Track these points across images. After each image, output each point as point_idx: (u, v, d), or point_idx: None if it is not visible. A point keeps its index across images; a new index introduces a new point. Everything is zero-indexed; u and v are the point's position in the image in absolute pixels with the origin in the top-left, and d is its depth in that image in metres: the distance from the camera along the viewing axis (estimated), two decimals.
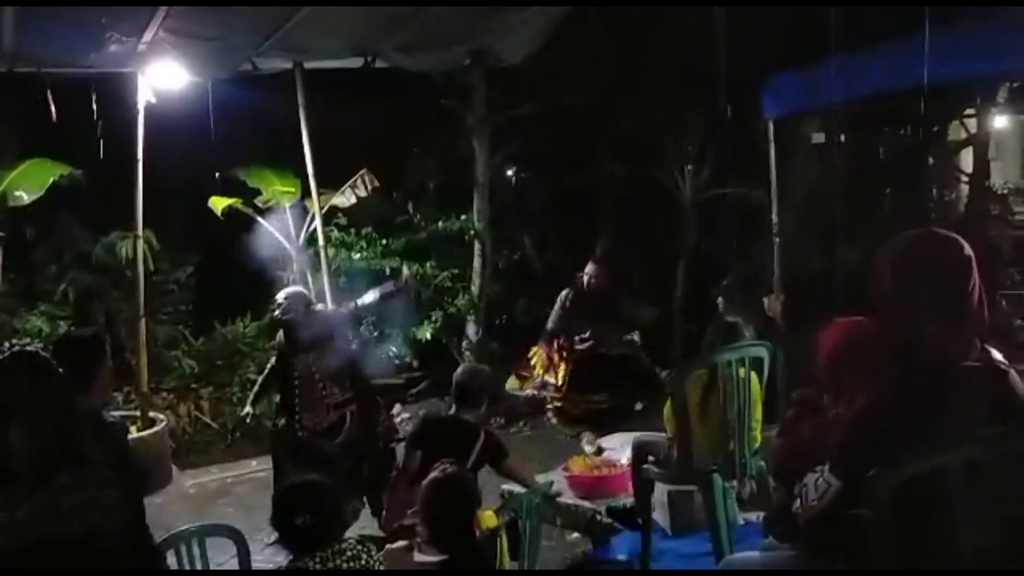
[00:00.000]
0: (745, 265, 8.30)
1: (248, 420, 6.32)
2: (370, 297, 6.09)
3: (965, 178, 12.04)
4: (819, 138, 11.11)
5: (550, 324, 8.30)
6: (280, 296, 6.07)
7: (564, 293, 8.30)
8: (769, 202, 7.21)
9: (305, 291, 6.42)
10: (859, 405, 2.60)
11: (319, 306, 6.28)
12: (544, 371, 8.12)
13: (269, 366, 6.27)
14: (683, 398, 4.81)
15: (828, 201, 9.23)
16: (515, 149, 10.75)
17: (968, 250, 2.56)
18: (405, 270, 6.80)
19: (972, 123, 11.71)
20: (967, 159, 12.04)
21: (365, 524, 5.70)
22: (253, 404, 6.30)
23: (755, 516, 4.92)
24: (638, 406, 8.78)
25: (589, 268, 8.18)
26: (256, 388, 6.37)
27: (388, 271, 8.61)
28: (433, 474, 3.84)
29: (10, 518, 2.52)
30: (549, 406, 8.10)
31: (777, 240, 7.02)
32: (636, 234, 11.04)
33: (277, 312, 5.95)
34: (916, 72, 5.72)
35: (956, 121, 11.91)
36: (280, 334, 6.07)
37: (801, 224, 8.25)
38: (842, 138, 10.40)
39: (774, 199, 7.10)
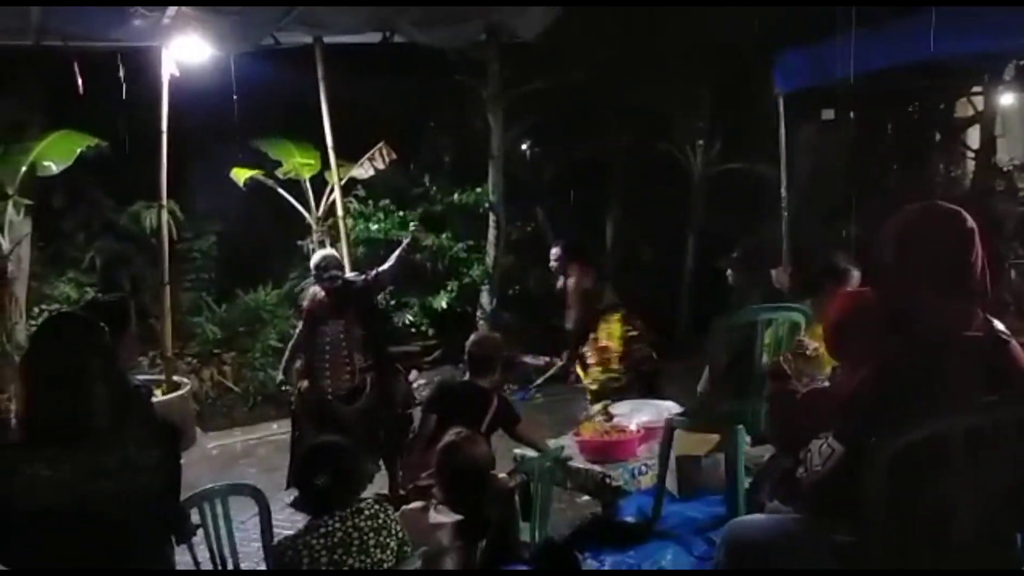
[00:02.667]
0: (753, 238, 8.29)
1: (283, 388, 6.26)
2: (389, 263, 6.09)
3: (971, 154, 11.95)
4: (828, 114, 11.05)
5: None
6: (323, 259, 5.96)
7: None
8: (778, 176, 7.17)
9: (337, 256, 6.37)
10: (862, 374, 2.61)
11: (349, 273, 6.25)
12: None
13: (298, 332, 6.19)
14: (720, 347, 4.84)
15: (836, 176, 9.20)
16: (528, 123, 10.72)
17: (971, 223, 2.56)
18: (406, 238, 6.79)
19: (979, 100, 11.61)
20: (974, 136, 11.95)
21: (382, 486, 5.75)
22: (285, 371, 6.26)
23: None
24: None
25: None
26: (287, 355, 6.27)
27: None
28: (448, 438, 3.88)
29: (56, 476, 2.55)
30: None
31: (786, 214, 7.00)
32: (646, 207, 11.02)
33: (326, 275, 5.89)
34: (924, 49, 5.67)
35: (963, 98, 11.81)
36: (314, 297, 6.00)
37: (809, 198, 8.21)
38: (851, 114, 10.34)
39: (783, 174, 7.06)
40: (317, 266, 5.93)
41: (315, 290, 6.00)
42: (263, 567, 4.00)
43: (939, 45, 5.56)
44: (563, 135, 11.41)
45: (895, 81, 8.97)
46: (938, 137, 11.89)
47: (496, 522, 3.88)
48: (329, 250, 6.81)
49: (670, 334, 10.12)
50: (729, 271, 6.57)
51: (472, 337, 5.16)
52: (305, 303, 6.09)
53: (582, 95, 10.25)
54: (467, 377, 4.95)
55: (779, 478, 3.10)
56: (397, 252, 6.16)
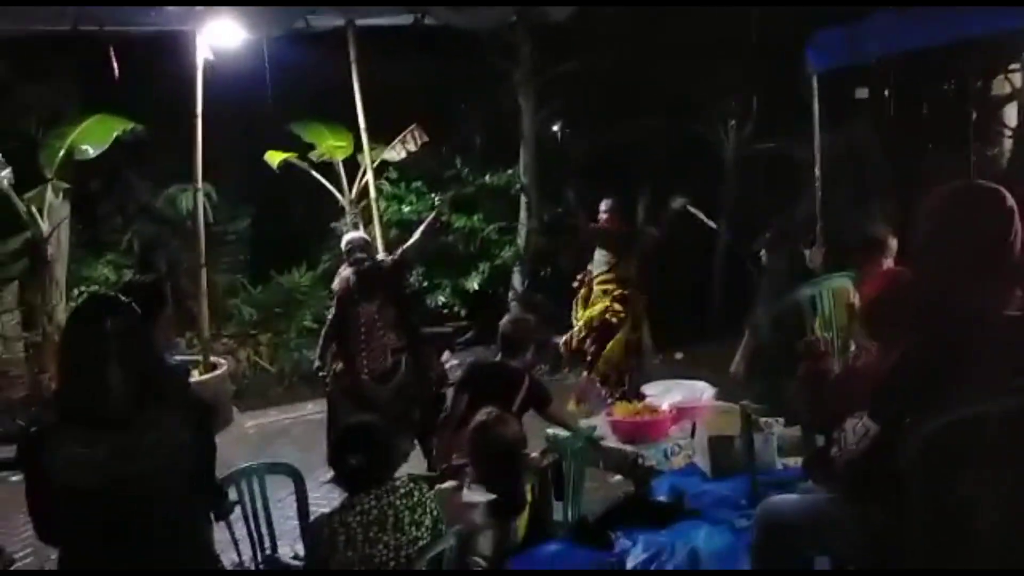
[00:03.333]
0: (787, 218, 8.22)
1: (319, 373, 6.26)
2: (413, 238, 6.15)
3: (1009, 133, 11.74)
4: (862, 93, 10.90)
5: None
6: (350, 241, 6.05)
7: None
8: (811, 156, 7.10)
9: (366, 237, 6.40)
10: (898, 353, 2.58)
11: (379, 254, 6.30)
12: None
13: (332, 315, 6.21)
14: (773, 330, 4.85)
15: (870, 155, 9.08)
16: (559, 105, 10.67)
17: (1010, 201, 2.51)
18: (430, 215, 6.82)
19: (1017, 77, 11.40)
20: (1011, 114, 11.74)
21: (415, 465, 5.78)
22: (321, 357, 6.22)
23: (793, 461, 4.92)
24: (678, 355, 8.78)
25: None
26: (322, 340, 6.24)
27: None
28: (479, 417, 3.89)
29: (91, 456, 2.58)
30: None
31: (819, 194, 6.93)
32: (677, 188, 10.93)
33: (361, 256, 5.92)
34: (960, 26, 5.58)
35: (1001, 76, 11.60)
36: (346, 281, 6.04)
37: (843, 178, 8.11)
38: (885, 93, 10.19)
39: (817, 153, 6.99)
40: (347, 249, 5.99)
41: (346, 273, 6.04)
42: (300, 544, 4.04)
43: (976, 22, 5.47)
44: (594, 117, 11.34)
45: (931, 59, 8.83)
46: (975, 115, 11.69)
47: (529, 501, 3.90)
48: (356, 232, 6.85)
49: (701, 317, 10.10)
50: (762, 252, 6.53)
51: (505, 318, 5.17)
52: (337, 286, 6.12)
53: (613, 77, 10.19)
54: (499, 358, 4.96)
55: (812, 458, 3.08)
56: (421, 228, 6.21)
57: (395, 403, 5.78)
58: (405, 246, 6.13)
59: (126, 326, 2.68)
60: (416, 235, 6.18)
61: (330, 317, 6.26)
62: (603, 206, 7.34)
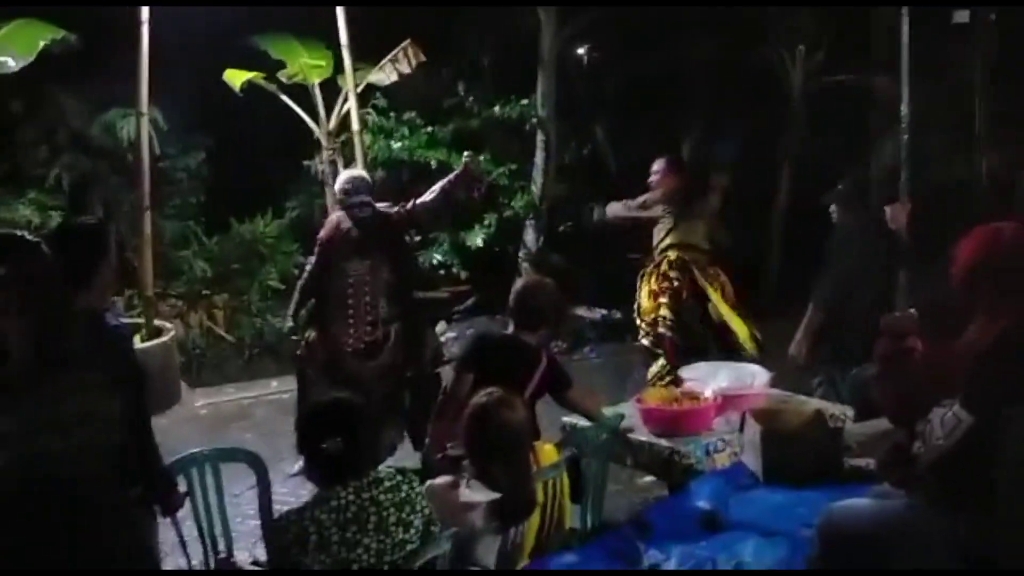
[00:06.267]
0: (865, 167, 8.18)
1: (292, 336, 6.26)
2: (432, 193, 6.04)
3: None
4: (962, 16, 10.80)
5: None
6: (352, 180, 6.03)
7: None
8: (897, 92, 7.06)
9: (368, 178, 6.35)
10: (999, 327, 2.58)
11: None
12: None
13: (310, 268, 6.22)
14: None
15: (972, 92, 9.01)
16: (588, 20, 10.60)
17: None
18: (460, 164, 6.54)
19: None
20: None
21: (404, 458, 5.81)
22: (295, 316, 6.27)
23: (864, 463, 4.93)
24: None
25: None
26: (297, 295, 6.29)
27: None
28: (478, 399, 3.89)
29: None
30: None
31: (906, 137, 6.90)
32: (731, 127, 10.89)
33: (355, 200, 5.92)
34: None
35: None
36: (337, 227, 6.03)
37: (936, 118, 8.07)
38: (992, 16, 10.09)
39: (904, 88, 6.95)
40: (344, 189, 5.95)
41: (339, 218, 6.02)
42: (260, 548, 4.06)
43: None
44: (630, 36, 11.27)
45: None
46: None
47: (540, 503, 3.91)
48: (358, 170, 6.85)
49: (755, 286, 10.08)
50: (833, 208, 6.51)
51: (521, 283, 5.18)
52: (323, 232, 6.09)
53: None
54: (511, 330, 4.96)
55: (890, 455, 3.08)
56: (443, 183, 6.10)
57: (382, 384, 5.79)
58: (419, 201, 6.05)
59: (33, 268, 2.67)
60: (435, 191, 6.04)
61: (309, 268, 6.24)
62: (656, 166, 7.22)
